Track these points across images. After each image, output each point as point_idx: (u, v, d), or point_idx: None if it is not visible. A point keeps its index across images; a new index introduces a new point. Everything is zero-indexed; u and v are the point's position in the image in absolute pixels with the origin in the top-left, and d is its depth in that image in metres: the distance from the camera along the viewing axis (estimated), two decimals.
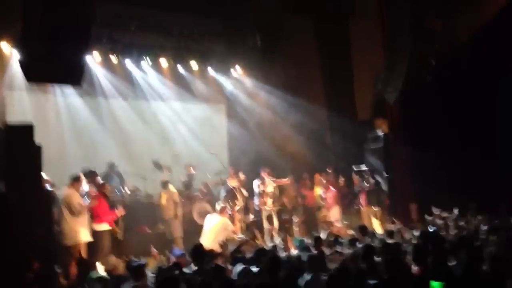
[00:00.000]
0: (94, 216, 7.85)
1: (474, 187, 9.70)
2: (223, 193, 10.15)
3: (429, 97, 10.35)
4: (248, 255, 6.16)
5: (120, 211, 8.27)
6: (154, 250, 6.58)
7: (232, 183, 10.28)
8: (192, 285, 4.54)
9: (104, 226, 8.00)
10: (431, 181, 10.17)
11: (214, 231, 8.30)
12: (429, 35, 10.71)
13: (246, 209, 10.33)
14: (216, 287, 4.23)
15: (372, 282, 4.38)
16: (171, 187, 9.99)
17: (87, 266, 6.48)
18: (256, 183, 10.41)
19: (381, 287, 4.24)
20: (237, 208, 9.83)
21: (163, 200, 9.83)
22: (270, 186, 10.29)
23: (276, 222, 10.17)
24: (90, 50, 9.90)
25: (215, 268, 5.16)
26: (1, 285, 5.04)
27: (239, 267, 5.30)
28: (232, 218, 9.01)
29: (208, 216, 8.87)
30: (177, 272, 5.27)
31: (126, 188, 10.39)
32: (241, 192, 10.22)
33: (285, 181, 10.58)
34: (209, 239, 8.03)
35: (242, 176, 10.85)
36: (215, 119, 13.32)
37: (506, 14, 9.79)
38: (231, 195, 9.90)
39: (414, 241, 6.64)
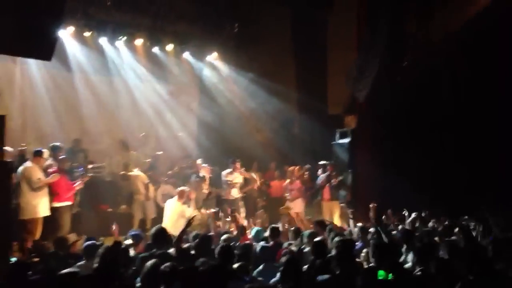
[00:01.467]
0: (54, 193, 7.76)
1: (440, 189, 9.99)
2: (193, 178, 10.18)
3: (398, 97, 10.53)
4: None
5: (78, 185, 8.18)
6: (114, 228, 6.53)
7: (203, 172, 10.34)
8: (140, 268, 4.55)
9: (64, 203, 7.94)
10: (395, 181, 10.38)
11: (172, 216, 8.32)
12: (403, 36, 10.91)
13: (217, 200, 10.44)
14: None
15: (323, 277, 4.50)
16: (136, 171, 9.93)
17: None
18: (224, 173, 10.51)
19: (333, 281, 4.35)
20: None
21: (135, 182, 9.80)
22: (239, 178, 10.48)
23: (243, 210, 10.32)
24: (63, 24, 9.70)
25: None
26: None
27: None
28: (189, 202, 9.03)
29: (168, 201, 8.87)
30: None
31: (90, 165, 10.26)
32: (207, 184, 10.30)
33: (254, 177, 10.71)
34: (168, 225, 8.02)
35: (209, 168, 10.94)
36: (186, 103, 13.27)
37: (483, 17, 9.99)
38: (199, 183, 9.95)
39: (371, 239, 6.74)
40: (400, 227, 7.46)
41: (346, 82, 10.97)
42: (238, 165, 10.50)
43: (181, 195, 8.65)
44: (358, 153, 11.20)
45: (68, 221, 8.01)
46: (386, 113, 10.65)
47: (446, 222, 7.43)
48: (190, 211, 8.64)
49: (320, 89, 12.62)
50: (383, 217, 7.90)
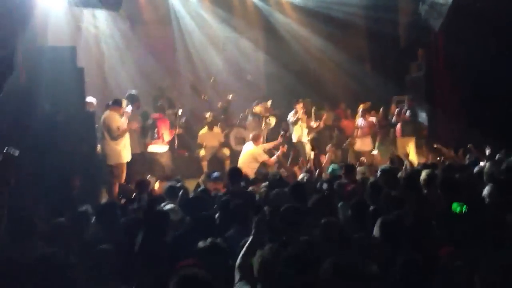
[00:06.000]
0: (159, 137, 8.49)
1: None
2: (249, 120, 10.29)
3: (477, 25, 9.78)
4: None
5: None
6: None
7: (257, 109, 10.36)
8: (225, 207, 4.73)
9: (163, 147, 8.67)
10: (474, 114, 9.88)
11: (245, 158, 8.47)
12: None
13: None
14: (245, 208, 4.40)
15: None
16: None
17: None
18: (290, 115, 10.41)
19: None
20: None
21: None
22: (301, 119, 10.22)
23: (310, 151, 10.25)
24: None
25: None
26: (48, 201, 5.40)
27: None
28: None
29: (246, 144, 9.04)
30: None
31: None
32: (265, 121, 10.29)
33: (315, 126, 10.45)
34: (241, 166, 8.17)
35: (268, 103, 10.91)
36: (254, 46, 13.18)
37: None
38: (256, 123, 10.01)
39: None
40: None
41: (420, 9, 10.30)
42: (300, 106, 10.22)
43: (256, 138, 8.73)
44: (434, 86, 10.71)
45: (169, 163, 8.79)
46: (464, 42, 9.98)
47: None
48: (264, 156, 8.74)
49: (391, 20, 11.95)
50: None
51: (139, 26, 11.62)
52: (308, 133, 10.26)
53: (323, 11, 12.14)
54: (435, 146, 8.19)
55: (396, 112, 10.23)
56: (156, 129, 8.78)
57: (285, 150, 8.85)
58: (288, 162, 8.86)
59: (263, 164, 8.55)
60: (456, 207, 3.96)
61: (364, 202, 4.56)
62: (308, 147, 9.98)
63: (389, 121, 10.64)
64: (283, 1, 12.91)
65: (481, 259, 3.01)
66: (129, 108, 8.20)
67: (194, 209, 4.68)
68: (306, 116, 10.27)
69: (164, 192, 5.77)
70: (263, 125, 10.20)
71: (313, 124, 10.32)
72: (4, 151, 3.51)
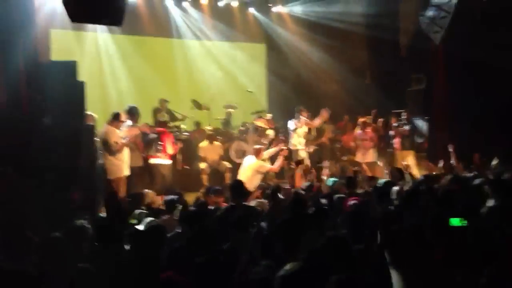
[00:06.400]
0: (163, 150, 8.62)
1: None
2: (250, 132, 10.30)
3: (478, 37, 9.78)
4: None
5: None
6: None
7: (259, 123, 10.43)
8: (224, 221, 4.70)
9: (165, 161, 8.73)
10: (474, 127, 9.84)
11: (247, 172, 8.43)
12: None
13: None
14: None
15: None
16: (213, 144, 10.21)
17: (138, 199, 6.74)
18: (291, 123, 10.16)
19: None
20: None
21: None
22: (303, 127, 10.04)
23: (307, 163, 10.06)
24: None
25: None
26: (46, 215, 5.38)
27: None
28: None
29: (246, 157, 9.02)
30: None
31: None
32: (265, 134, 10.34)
33: (315, 123, 10.33)
34: (243, 180, 8.12)
35: (268, 115, 10.89)
36: (254, 59, 13.24)
37: None
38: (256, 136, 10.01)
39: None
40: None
41: (420, 23, 10.31)
42: (304, 114, 9.99)
43: (257, 153, 8.71)
44: (435, 99, 10.71)
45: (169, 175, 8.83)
46: (465, 55, 9.98)
47: None
48: (267, 166, 8.71)
49: (392, 32, 11.94)
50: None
51: (140, 39, 11.70)
52: (306, 143, 10.21)
53: (323, 24, 12.22)
54: (450, 150, 8.17)
55: (394, 126, 10.23)
56: (160, 143, 8.78)
57: (286, 154, 8.86)
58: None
59: (267, 175, 8.55)
60: (455, 221, 3.91)
61: (364, 215, 4.51)
62: (302, 154, 9.94)
63: (388, 134, 10.63)
64: (284, 14, 13.03)
65: (482, 275, 2.98)
66: (129, 122, 8.23)
67: (193, 223, 4.66)
68: (307, 119, 10.07)
69: (163, 205, 5.76)
70: (263, 138, 10.20)
71: (315, 122, 10.23)
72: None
